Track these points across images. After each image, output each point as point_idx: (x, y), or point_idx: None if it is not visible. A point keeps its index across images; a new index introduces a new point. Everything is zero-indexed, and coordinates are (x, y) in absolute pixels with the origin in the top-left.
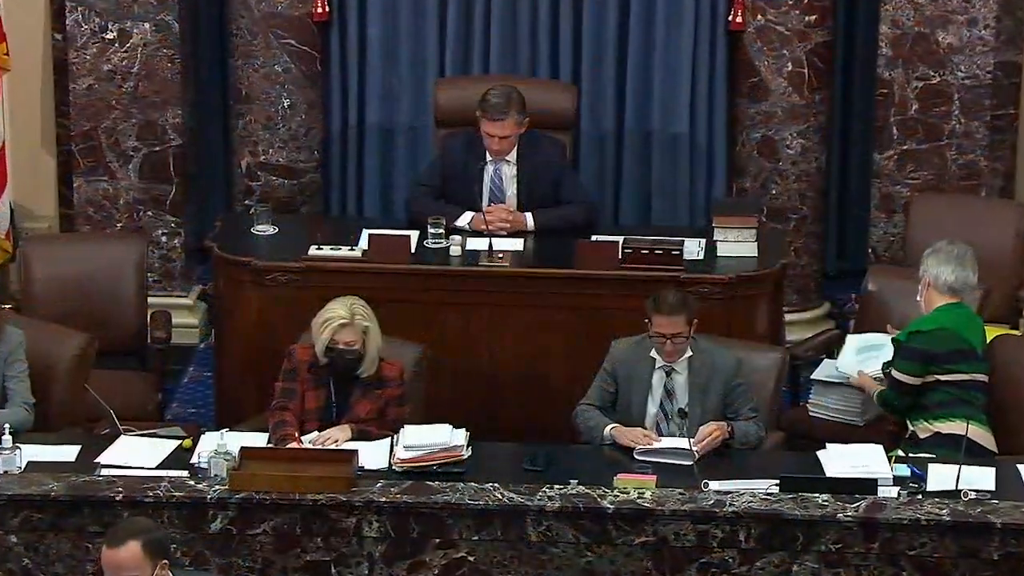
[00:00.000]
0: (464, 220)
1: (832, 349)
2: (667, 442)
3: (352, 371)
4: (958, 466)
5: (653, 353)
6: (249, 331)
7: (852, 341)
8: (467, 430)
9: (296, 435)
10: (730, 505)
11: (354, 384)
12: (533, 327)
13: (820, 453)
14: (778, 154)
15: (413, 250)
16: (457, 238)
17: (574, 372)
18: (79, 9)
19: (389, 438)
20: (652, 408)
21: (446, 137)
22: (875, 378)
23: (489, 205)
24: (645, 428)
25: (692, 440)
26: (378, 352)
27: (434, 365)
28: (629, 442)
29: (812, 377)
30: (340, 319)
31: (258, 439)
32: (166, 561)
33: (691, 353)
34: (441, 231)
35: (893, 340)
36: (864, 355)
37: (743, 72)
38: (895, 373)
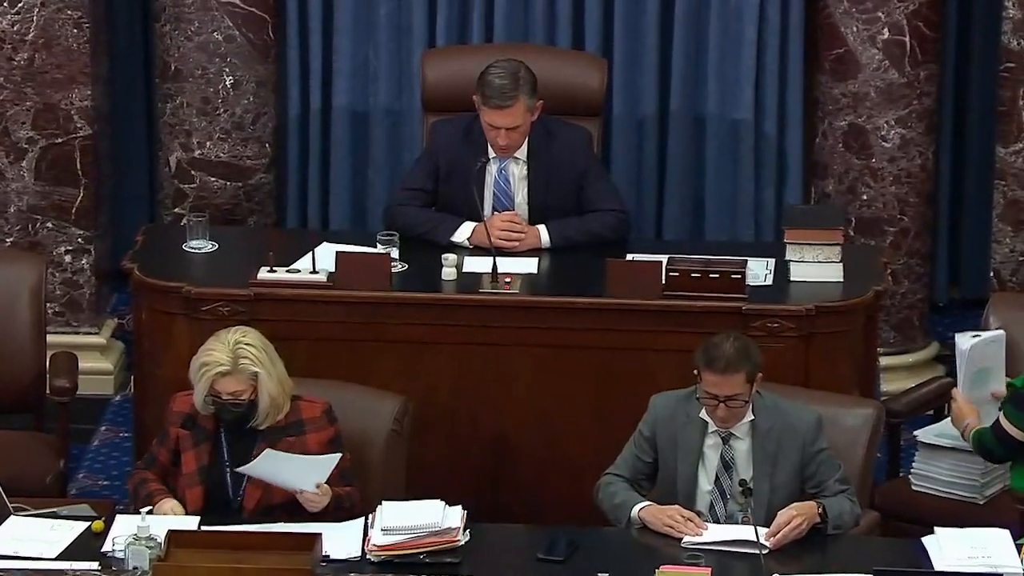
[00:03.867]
0: (462, 234)
1: (943, 404)
2: (723, 531)
3: (244, 424)
4: None
5: (704, 413)
6: (180, 378)
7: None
8: (464, 508)
9: (166, 491)
10: None
11: (254, 436)
12: (549, 373)
13: (926, 539)
14: (871, 148)
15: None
16: (452, 257)
17: (602, 432)
18: None
19: (363, 518)
20: (705, 484)
21: (437, 125)
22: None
23: (494, 214)
24: (698, 510)
25: (765, 530)
26: (280, 396)
27: (421, 423)
28: (663, 527)
29: (918, 439)
30: (218, 366)
31: (188, 519)
32: None
33: (751, 417)
34: (393, 248)
35: (1009, 385)
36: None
37: (825, 41)
38: (1002, 419)
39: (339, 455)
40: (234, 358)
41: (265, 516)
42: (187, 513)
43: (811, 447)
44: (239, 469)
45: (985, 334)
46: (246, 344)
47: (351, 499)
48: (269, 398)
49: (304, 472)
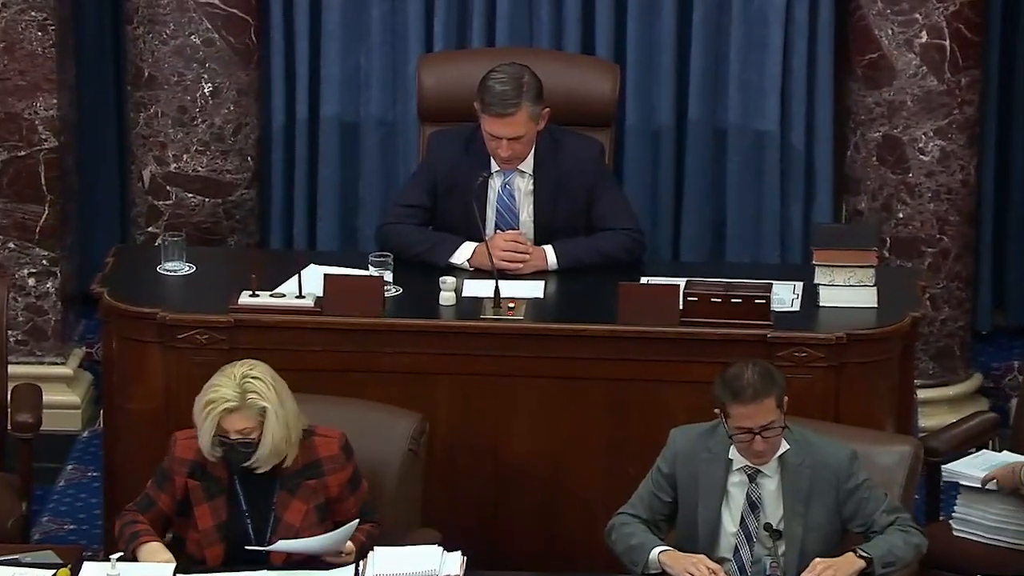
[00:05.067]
0: (462, 255)
1: (987, 441)
2: None
3: (239, 465)
4: None
5: (732, 453)
6: (153, 413)
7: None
8: (463, 553)
9: (152, 532)
10: None
11: (272, 482)
12: (556, 407)
13: None
14: (907, 161)
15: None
16: (450, 280)
17: (613, 471)
18: None
19: (354, 566)
20: (730, 525)
21: (435, 136)
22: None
23: (496, 233)
24: (721, 556)
25: None
26: (285, 442)
27: (427, 453)
28: (683, 573)
29: (951, 467)
30: (224, 402)
31: (167, 567)
32: None
33: (786, 447)
34: (386, 270)
35: None
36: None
37: (858, 45)
38: None
39: (356, 522)
40: (241, 392)
41: (296, 567)
42: (208, 570)
43: (846, 484)
44: (251, 547)
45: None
46: (253, 378)
47: (372, 537)
48: (272, 441)
49: (323, 546)
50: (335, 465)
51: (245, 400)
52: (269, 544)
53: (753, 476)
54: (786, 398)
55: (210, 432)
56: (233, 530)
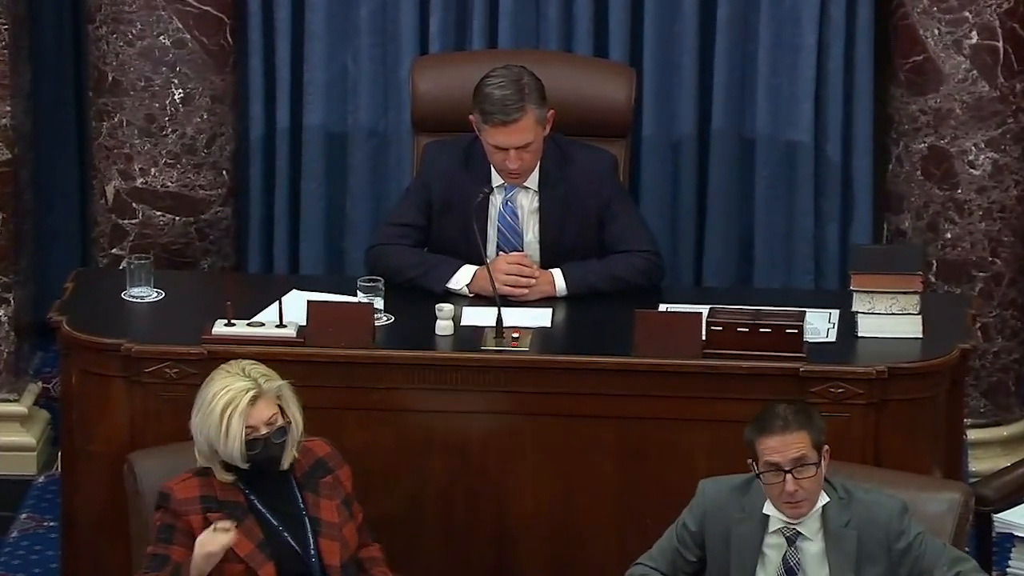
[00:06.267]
0: (460, 279)
1: None
2: None
3: (277, 461)
4: None
5: (768, 508)
6: (117, 455)
7: None
8: None
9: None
10: None
11: (288, 490)
12: (565, 449)
13: None
14: (955, 176)
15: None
16: (448, 308)
17: (627, 521)
18: None
19: None
20: None
21: (430, 148)
22: None
23: (498, 255)
24: None
25: None
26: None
27: (409, 508)
28: None
29: (1005, 516)
30: (247, 392)
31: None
32: None
33: (826, 499)
34: (377, 297)
35: None
36: None
37: (901, 47)
38: None
39: None
40: (254, 379)
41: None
42: None
43: (898, 543)
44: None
45: None
46: (252, 365)
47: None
48: (300, 420)
49: None
50: (337, 461)
51: (262, 385)
52: (320, 550)
53: (793, 539)
54: (827, 447)
55: (238, 435)
56: (276, 546)
